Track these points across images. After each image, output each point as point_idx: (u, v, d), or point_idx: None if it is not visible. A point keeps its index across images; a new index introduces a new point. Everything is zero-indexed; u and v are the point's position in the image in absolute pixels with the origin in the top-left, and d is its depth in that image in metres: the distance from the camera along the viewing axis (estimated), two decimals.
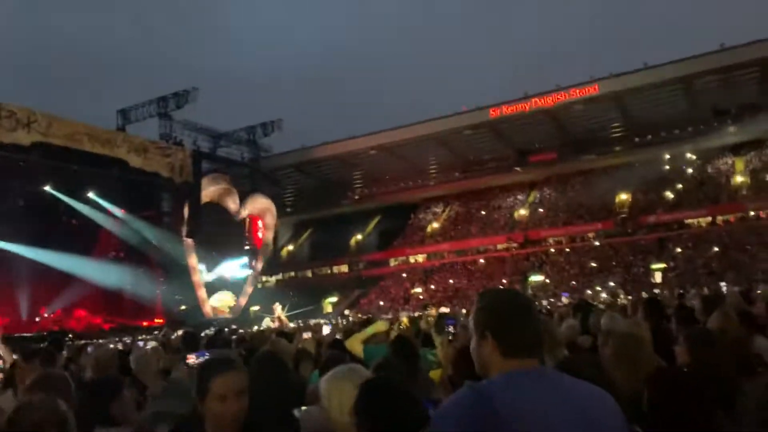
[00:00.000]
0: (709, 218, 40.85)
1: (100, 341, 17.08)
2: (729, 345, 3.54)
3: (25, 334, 25.42)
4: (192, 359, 4.00)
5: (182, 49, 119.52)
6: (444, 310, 27.35)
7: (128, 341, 15.50)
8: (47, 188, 29.62)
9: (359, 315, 30.37)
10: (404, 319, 11.84)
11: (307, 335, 7.63)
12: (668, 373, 2.87)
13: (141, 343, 13.02)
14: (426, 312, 23.40)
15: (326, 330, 9.54)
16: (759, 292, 12.44)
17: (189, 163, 33.92)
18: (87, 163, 29.80)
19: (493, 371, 1.71)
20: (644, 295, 16.35)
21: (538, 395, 1.59)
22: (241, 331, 15.44)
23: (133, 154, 31.11)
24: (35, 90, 75.70)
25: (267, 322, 26.55)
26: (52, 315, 31.28)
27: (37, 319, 30.50)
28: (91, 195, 31.57)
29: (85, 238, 32.16)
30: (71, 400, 2.63)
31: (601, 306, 10.64)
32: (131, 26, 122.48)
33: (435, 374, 4.31)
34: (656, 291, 26.08)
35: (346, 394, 2.19)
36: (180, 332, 14.35)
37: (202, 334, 9.87)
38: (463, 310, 19.42)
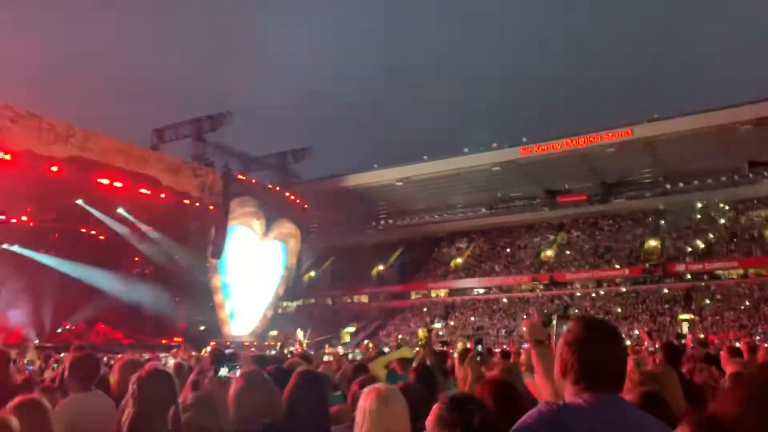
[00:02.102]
0: (741, 270, 39.94)
1: (119, 355, 17.09)
2: None
3: (47, 344, 25.64)
4: (225, 371, 4.08)
5: (219, 73, 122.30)
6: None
7: (147, 357, 15.49)
8: (79, 201, 30.10)
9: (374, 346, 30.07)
10: (421, 332, 11.85)
11: (327, 358, 7.64)
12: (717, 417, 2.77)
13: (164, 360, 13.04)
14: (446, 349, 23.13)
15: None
16: None
17: (219, 185, 34.32)
18: (120, 179, 30.29)
19: (565, 394, 1.84)
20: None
21: (608, 423, 1.70)
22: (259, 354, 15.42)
23: (166, 173, 31.58)
24: (75, 106, 77.69)
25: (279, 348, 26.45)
26: (74, 327, 31.54)
27: (59, 330, 30.86)
28: (120, 210, 32.01)
29: (111, 253, 32.54)
30: None
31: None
32: (172, 50, 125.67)
33: None
34: (683, 341, 25.45)
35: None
36: (208, 349, 14.61)
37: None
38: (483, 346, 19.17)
